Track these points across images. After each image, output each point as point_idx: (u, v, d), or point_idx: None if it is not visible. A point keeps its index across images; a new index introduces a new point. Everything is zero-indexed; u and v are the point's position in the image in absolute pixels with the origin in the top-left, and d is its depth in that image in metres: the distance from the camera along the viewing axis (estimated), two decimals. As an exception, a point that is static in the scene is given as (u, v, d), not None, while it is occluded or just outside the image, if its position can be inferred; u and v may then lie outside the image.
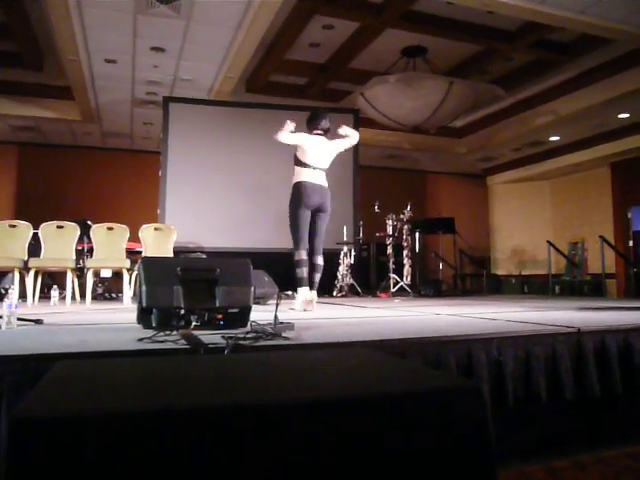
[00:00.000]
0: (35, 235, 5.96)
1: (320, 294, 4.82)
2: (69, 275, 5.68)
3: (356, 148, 8.42)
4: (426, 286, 8.16)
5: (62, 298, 5.81)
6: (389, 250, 8.29)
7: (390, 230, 8.37)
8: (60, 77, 7.77)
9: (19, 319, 2.93)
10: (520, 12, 5.84)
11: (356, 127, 8.47)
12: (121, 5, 5.69)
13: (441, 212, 10.45)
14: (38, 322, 3.11)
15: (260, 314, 2.88)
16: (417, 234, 8.96)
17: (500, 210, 12.46)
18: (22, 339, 2.39)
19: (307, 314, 4.02)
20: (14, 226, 5.89)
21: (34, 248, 5.92)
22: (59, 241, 5.90)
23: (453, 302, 5.94)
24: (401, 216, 8.38)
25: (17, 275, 5.51)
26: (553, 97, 8.54)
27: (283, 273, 6.08)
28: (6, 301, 2.83)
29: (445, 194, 12.45)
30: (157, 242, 6.20)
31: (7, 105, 8.03)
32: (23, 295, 5.24)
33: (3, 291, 6.27)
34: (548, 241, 9.09)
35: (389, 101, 7.72)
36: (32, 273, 5.55)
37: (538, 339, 2.44)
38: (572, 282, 10.27)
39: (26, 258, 5.64)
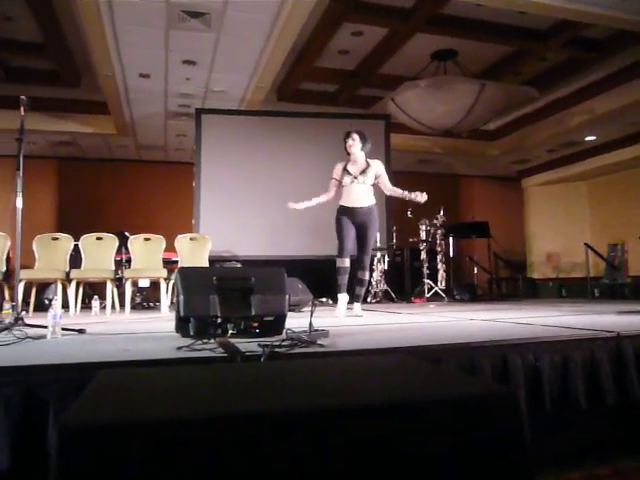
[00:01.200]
0: (76, 247, 6.13)
1: (354, 300, 4.83)
2: (109, 285, 5.82)
3: (387, 154, 8.42)
4: (461, 291, 8.08)
5: (102, 308, 5.95)
6: (423, 255, 8.25)
7: (424, 235, 8.34)
8: (96, 93, 7.98)
9: (63, 329, 3.03)
10: (552, 11, 5.76)
11: (387, 133, 8.52)
12: (154, 21, 5.83)
13: (475, 216, 10.31)
14: (81, 332, 3.20)
15: (295, 321, 2.91)
16: (451, 239, 8.88)
17: (535, 212, 12.25)
18: (66, 348, 2.47)
19: (341, 321, 4.04)
20: (56, 238, 6.08)
21: (75, 259, 6.08)
22: (98, 252, 6.06)
23: (488, 307, 5.88)
24: (434, 221, 8.34)
25: (60, 286, 5.67)
26: (588, 96, 8.37)
27: (317, 280, 6.12)
28: (51, 311, 2.93)
29: (478, 198, 12.30)
30: (193, 252, 6.30)
31: (46, 121, 8.27)
32: (65, 305, 5.39)
33: (47, 301, 6.46)
34: (586, 243, 8.89)
35: (420, 106, 7.69)
36: (74, 284, 5.71)
37: (576, 344, 2.41)
38: (612, 285, 10.00)
39: (68, 269, 5.80)
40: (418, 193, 4.84)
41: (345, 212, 4.75)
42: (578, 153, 10.58)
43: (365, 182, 4.74)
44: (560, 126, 9.26)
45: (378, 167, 4.84)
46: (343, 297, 4.64)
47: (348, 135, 4.84)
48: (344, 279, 4.71)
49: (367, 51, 7.43)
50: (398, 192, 4.88)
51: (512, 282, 11.04)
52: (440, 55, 7.54)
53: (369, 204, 4.78)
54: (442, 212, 8.37)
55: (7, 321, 3.15)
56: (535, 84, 8.07)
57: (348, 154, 4.84)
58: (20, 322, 3.07)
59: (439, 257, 8.37)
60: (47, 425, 1.70)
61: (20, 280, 3.53)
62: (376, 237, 4.91)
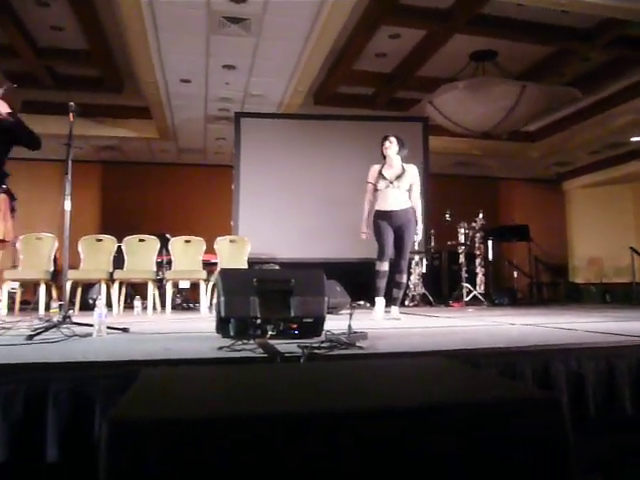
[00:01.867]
0: (119, 248, 6.29)
1: (392, 303, 4.83)
2: (150, 286, 5.95)
3: (425, 156, 8.37)
4: (500, 295, 7.97)
5: (144, 308, 6.09)
6: (461, 259, 8.17)
7: (462, 238, 8.25)
8: (139, 98, 8.17)
9: (108, 328, 3.12)
10: (596, 9, 5.64)
11: (425, 135, 8.47)
12: (195, 27, 5.95)
13: (514, 219, 10.16)
14: (125, 330, 3.30)
15: (333, 324, 2.92)
16: (490, 242, 8.77)
17: (577, 215, 11.97)
18: (112, 346, 2.55)
19: (379, 324, 4.04)
20: (100, 240, 6.25)
21: (118, 260, 6.24)
22: (141, 254, 6.20)
23: (529, 311, 5.79)
24: (473, 224, 8.25)
25: (104, 286, 5.83)
26: (633, 95, 8.14)
27: (354, 283, 6.13)
28: (97, 310, 3.02)
29: (518, 200, 12.10)
30: (232, 254, 6.38)
31: (91, 127, 8.50)
32: (108, 305, 5.52)
33: (91, 301, 6.65)
34: (631, 247, 8.66)
35: (458, 108, 7.62)
36: (117, 284, 5.85)
37: (621, 350, 2.35)
38: (658, 290, 9.71)
39: (111, 270, 5.95)
40: (419, 232, 4.85)
41: (382, 216, 4.75)
42: (622, 154, 10.29)
43: (400, 187, 4.73)
44: (604, 127, 9.03)
45: (413, 175, 4.81)
46: (381, 300, 4.65)
47: (385, 138, 4.85)
48: (382, 282, 4.70)
49: (405, 53, 7.41)
50: (417, 212, 4.83)
51: (553, 287, 10.82)
52: (479, 56, 7.45)
53: (406, 207, 4.77)
54: (481, 215, 8.27)
55: (55, 319, 3.26)
56: (578, 84, 7.89)
57: (384, 157, 4.83)
58: (68, 320, 3.17)
59: (478, 261, 8.27)
60: (94, 420, 1.75)
61: (67, 280, 3.64)
62: (414, 240, 4.86)
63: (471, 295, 7.80)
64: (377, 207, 4.81)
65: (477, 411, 1.17)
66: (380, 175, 4.79)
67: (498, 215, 11.46)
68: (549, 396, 1.38)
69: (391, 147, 4.77)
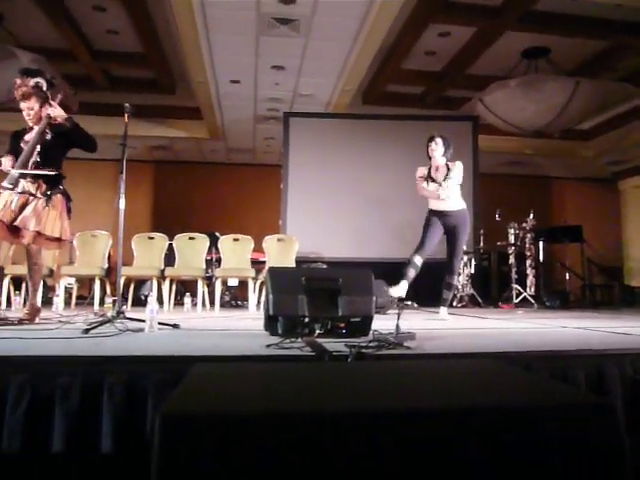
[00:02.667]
0: (170, 246, 6.43)
1: (439, 304, 4.77)
2: (200, 283, 6.06)
3: (475, 156, 8.24)
4: (551, 297, 7.76)
5: (193, 305, 6.21)
6: (511, 260, 8.01)
7: (512, 239, 8.09)
8: (190, 99, 8.35)
9: (159, 323, 3.20)
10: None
11: (475, 134, 8.34)
12: (245, 29, 6.04)
13: (567, 219, 9.87)
14: (175, 327, 3.38)
15: (380, 323, 2.92)
16: (541, 243, 8.55)
17: (633, 216, 11.53)
18: (163, 342, 2.61)
19: (427, 324, 4.01)
20: (152, 238, 6.41)
21: (168, 258, 6.39)
22: (191, 251, 6.33)
23: (581, 315, 5.62)
24: (524, 224, 8.08)
25: (155, 283, 5.98)
26: (692, 91, 7.80)
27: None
28: (149, 306, 3.11)
29: (571, 200, 11.76)
30: (280, 252, 6.43)
31: (145, 127, 8.73)
32: (159, 301, 5.66)
33: (143, 297, 6.83)
34: (692, 249, 8.29)
35: (510, 106, 7.46)
36: (168, 281, 5.99)
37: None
38: None
39: (162, 267, 6.10)
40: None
41: (436, 215, 4.69)
42: (682, 153, 9.87)
43: (449, 187, 4.65)
44: (662, 124, 8.69)
45: (459, 174, 4.70)
46: (404, 284, 4.56)
47: (431, 139, 4.77)
48: (411, 272, 4.58)
49: (454, 51, 7.31)
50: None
51: (607, 289, 10.44)
52: (531, 53, 7.28)
53: (459, 207, 4.70)
54: (532, 215, 8.08)
55: (109, 314, 3.37)
56: (633, 80, 7.61)
57: (429, 158, 4.78)
58: (121, 315, 3.27)
59: (528, 262, 8.08)
60: (146, 412, 1.80)
61: (120, 276, 3.75)
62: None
63: (521, 297, 7.64)
64: (431, 207, 4.75)
65: (528, 415, 1.15)
66: (429, 178, 4.73)
67: (549, 215, 11.18)
68: (604, 401, 1.35)
69: (437, 149, 4.70)
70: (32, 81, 3.67)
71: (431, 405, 1.18)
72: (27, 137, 3.68)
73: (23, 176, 3.55)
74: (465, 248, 7.50)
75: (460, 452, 1.10)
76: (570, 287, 9.24)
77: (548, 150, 10.17)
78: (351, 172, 8.07)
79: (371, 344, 2.26)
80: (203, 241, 6.43)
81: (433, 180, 4.71)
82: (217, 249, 6.66)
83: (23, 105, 3.67)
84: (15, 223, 3.47)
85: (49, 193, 3.60)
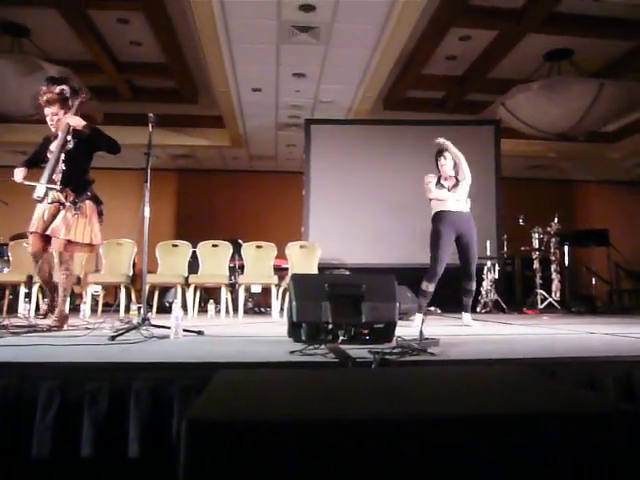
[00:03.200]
0: (193, 253, 6.49)
1: (463, 310, 4.74)
2: (223, 290, 6.11)
3: (497, 160, 8.18)
4: (577, 303, 7.65)
5: (217, 311, 6.25)
6: (536, 264, 7.92)
7: (536, 243, 8.00)
8: (212, 108, 8.45)
9: (184, 330, 3.24)
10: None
11: (497, 138, 8.28)
12: (266, 38, 6.09)
13: (592, 223, 9.74)
14: (200, 333, 3.41)
15: (404, 330, 2.91)
16: (566, 247, 8.44)
17: (662, 219, 11.31)
18: (188, 348, 2.64)
19: (451, 330, 3.98)
20: (176, 245, 6.48)
21: (192, 265, 6.44)
22: (214, 259, 6.38)
23: (608, 320, 5.53)
24: (548, 229, 7.98)
25: (179, 290, 6.04)
26: None
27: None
28: (174, 314, 3.14)
29: (596, 204, 11.59)
30: (302, 259, 6.45)
31: (168, 136, 8.85)
32: (184, 308, 5.71)
33: (167, 304, 6.90)
34: None
35: (532, 109, 7.40)
36: (192, 288, 6.05)
37: None
38: None
39: (186, 274, 6.15)
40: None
41: (444, 217, 4.64)
42: None
43: (458, 192, 4.66)
44: (691, 125, 8.53)
45: (467, 183, 4.73)
46: (419, 318, 4.50)
47: (441, 154, 4.76)
48: (425, 302, 4.62)
49: (475, 55, 7.27)
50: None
51: (636, 294, 10.26)
52: (554, 55, 7.20)
53: (468, 210, 4.70)
54: (556, 219, 7.98)
55: (135, 321, 3.41)
56: (659, 81, 7.49)
57: (438, 170, 4.79)
58: (147, 322, 3.31)
59: (553, 266, 7.98)
60: (172, 418, 1.82)
61: (146, 284, 3.79)
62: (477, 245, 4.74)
63: (546, 302, 7.55)
64: (440, 208, 4.70)
65: (554, 423, 1.14)
66: (439, 185, 4.73)
67: (574, 219, 11.03)
68: (633, 409, 1.33)
69: (447, 163, 4.72)
70: (57, 88, 3.76)
71: (456, 412, 1.17)
72: (52, 147, 3.78)
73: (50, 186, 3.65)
74: (489, 253, 7.50)
75: (485, 460, 1.09)
76: (596, 292, 9.11)
77: (572, 153, 10.05)
78: (373, 178, 8.06)
79: (395, 350, 2.26)
80: (226, 248, 6.48)
81: (443, 187, 4.70)
82: (240, 256, 6.70)
83: (47, 111, 3.77)
84: (47, 232, 3.62)
85: (77, 201, 3.71)
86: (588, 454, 1.10)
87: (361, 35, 6.02)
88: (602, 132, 9.14)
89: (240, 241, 7.26)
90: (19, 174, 3.72)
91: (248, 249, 6.52)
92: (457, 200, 4.65)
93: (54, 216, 3.67)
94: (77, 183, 3.74)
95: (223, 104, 7.95)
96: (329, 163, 8.13)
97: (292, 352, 2.31)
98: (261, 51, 6.41)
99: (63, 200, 3.70)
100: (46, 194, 3.65)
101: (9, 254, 6.63)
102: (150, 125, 3.65)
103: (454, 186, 4.69)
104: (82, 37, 6.51)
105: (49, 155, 3.74)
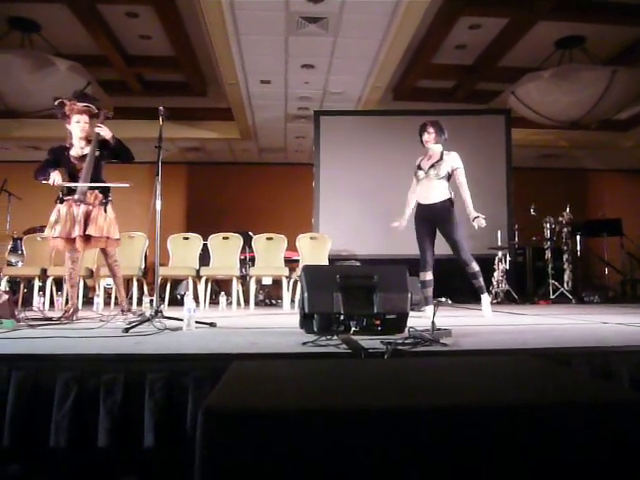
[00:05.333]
0: (204, 246, 6.52)
1: (475, 300, 4.72)
2: (234, 282, 6.13)
3: (508, 149, 8.12)
4: (590, 292, 7.61)
5: (228, 303, 6.28)
6: (547, 255, 7.89)
7: (548, 233, 7.96)
8: (221, 100, 8.45)
9: (196, 322, 3.26)
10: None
11: (507, 128, 8.22)
12: (274, 29, 6.08)
13: (605, 213, 9.65)
14: (212, 325, 3.43)
15: (415, 320, 2.91)
16: (578, 237, 8.39)
17: (676, 208, 11.18)
18: (201, 340, 2.66)
19: (463, 320, 3.98)
20: (187, 238, 6.51)
21: (203, 257, 6.47)
22: (225, 251, 6.40)
23: (622, 310, 5.50)
24: (560, 218, 7.94)
25: (191, 282, 6.07)
26: None
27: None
28: (186, 306, 3.16)
29: (609, 193, 11.47)
30: (313, 251, 6.46)
31: (177, 129, 8.85)
32: (195, 300, 5.73)
33: (179, 297, 6.94)
34: None
35: (543, 98, 7.33)
36: (203, 280, 6.08)
37: None
38: None
39: (198, 267, 6.18)
40: (480, 219, 4.44)
41: (420, 212, 4.63)
42: None
43: (437, 176, 4.53)
44: None
45: (453, 160, 4.57)
46: (430, 309, 4.52)
47: (423, 128, 4.66)
48: (428, 292, 4.62)
49: (485, 44, 7.20)
50: (466, 201, 4.53)
51: (649, 284, 10.18)
52: (565, 43, 7.12)
53: (441, 199, 4.53)
54: (568, 209, 7.93)
55: (148, 314, 3.44)
56: (673, 67, 7.39)
57: (423, 146, 4.71)
58: (159, 315, 3.34)
59: (565, 256, 7.94)
60: (187, 408, 1.84)
61: (158, 276, 3.82)
62: (461, 233, 4.57)
63: (558, 292, 7.51)
64: (416, 199, 4.71)
65: (569, 412, 1.14)
66: (417, 166, 4.69)
67: (586, 209, 10.93)
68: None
69: (430, 139, 4.61)
70: (83, 105, 4.07)
71: (471, 402, 1.18)
72: (73, 152, 4.06)
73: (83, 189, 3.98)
74: (499, 243, 7.46)
75: (501, 449, 1.10)
76: (609, 282, 9.04)
77: (584, 142, 9.95)
78: (382, 168, 8.03)
79: (407, 341, 2.26)
80: (237, 240, 6.50)
81: (420, 168, 4.65)
82: (251, 248, 6.72)
83: (78, 117, 4.04)
84: (87, 232, 3.95)
85: (105, 201, 4.11)
86: (605, 443, 1.10)
87: (370, 25, 5.99)
88: (614, 120, 9.03)
89: (250, 233, 7.28)
90: (58, 177, 3.95)
91: (259, 241, 6.54)
92: (432, 189, 4.56)
93: (86, 216, 3.98)
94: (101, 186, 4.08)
95: (232, 96, 7.95)
96: (339, 154, 8.11)
97: (304, 343, 2.33)
98: (270, 43, 6.40)
99: (92, 201, 4.02)
100: (85, 195, 3.98)
101: (23, 248, 6.69)
102: (160, 118, 3.67)
103: (432, 166, 4.58)
104: (92, 31, 6.53)
105: (74, 161, 4.04)
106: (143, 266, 6.21)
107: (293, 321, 3.33)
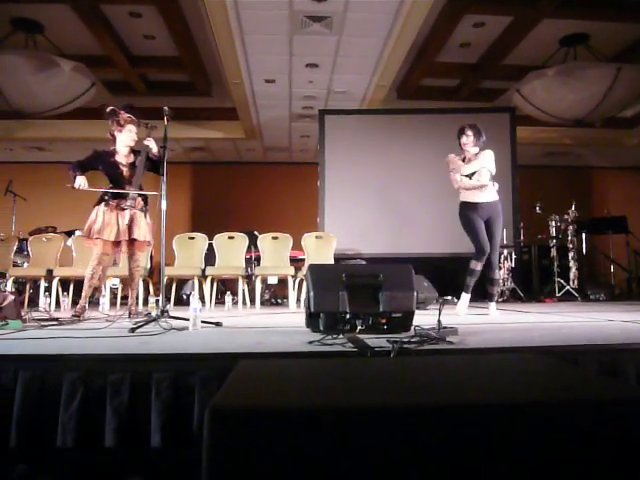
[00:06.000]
0: (209, 245, 6.53)
1: (481, 299, 4.72)
2: (240, 282, 6.14)
3: (513, 147, 8.10)
4: (595, 290, 7.59)
5: (234, 303, 6.29)
6: (553, 252, 7.87)
7: (553, 231, 7.94)
8: (226, 100, 8.46)
9: (202, 322, 3.26)
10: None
11: (512, 126, 8.20)
12: (278, 28, 6.08)
13: (610, 210, 9.61)
14: (218, 325, 3.43)
15: (421, 319, 2.90)
16: (584, 235, 8.37)
17: (683, 205, 11.12)
18: (207, 340, 2.66)
19: (469, 319, 3.97)
20: (192, 238, 6.52)
21: (209, 257, 6.48)
22: (230, 250, 6.41)
23: (628, 308, 5.47)
24: (565, 216, 7.92)
25: (196, 282, 6.08)
26: None
27: (440, 278, 6.04)
28: (192, 306, 3.17)
29: (614, 191, 11.43)
30: (318, 250, 6.46)
31: (182, 129, 8.86)
32: (201, 300, 5.74)
33: (185, 296, 6.95)
34: None
35: (548, 95, 7.31)
36: (209, 280, 6.08)
37: None
38: None
39: (203, 267, 6.19)
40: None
41: (471, 208, 4.59)
42: None
43: (481, 179, 4.56)
44: None
45: (485, 158, 4.58)
46: (466, 297, 4.55)
47: (462, 132, 4.65)
48: (473, 281, 4.55)
49: (490, 42, 7.18)
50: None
51: (655, 282, 10.13)
52: (570, 40, 7.08)
53: (494, 198, 4.61)
54: (573, 207, 7.91)
55: (154, 314, 3.44)
56: (680, 64, 7.35)
57: (462, 150, 4.69)
58: (165, 315, 3.34)
59: (571, 254, 7.91)
60: (193, 408, 1.84)
61: (164, 276, 3.82)
62: (502, 233, 4.66)
63: (564, 290, 7.49)
64: (465, 198, 4.65)
65: (576, 410, 1.13)
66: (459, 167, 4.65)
67: (592, 206, 10.91)
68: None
69: (469, 142, 4.60)
70: (131, 116, 4.34)
71: (478, 400, 1.17)
72: (118, 158, 4.27)
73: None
74: (505, 241, 7.45)
75: (507, 447, 1.09)
76: (615, 280, 9.01)
77: (589, 140, 9.92)
78: (387, 167, 8.03)
79: (413, 339, 2.26)
80: (242, 240, 6.51)
81: (466, 174, 4.64)
82: (256, 248, 6.73)
83: (130, 127, 4.28)
84: (133, 236, 4.20)
85: (145, 209, 4.34)
86: (613, 440, 1.10)
87: (374, 24, 5.98)
88: (619, 118, 8.99)
89: (256, 232, 7.28)
90: (85, 182, 4.09)
91: (264, 240, 6.54)
92: (480, 190, 4.57)
93: (130, 221, 4.20)
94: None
95: (237, 96, 7.96)
96: (343, 153, 8.10)
97: (311, 342, 2.33)
98: (274, 42, 6.40)
99: (135, 206, 4.22)
100: (135, 201, 4.19)
101: (29, 249, 6.71)
102: (165, 118, 3.68)
103: (473, 173, 4.59)
104: (95, 32, 6.54)
105: (122, 167, 4.25)
106: (149, 266, 6.23)
107: (299, 320, 3.34)
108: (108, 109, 4.26)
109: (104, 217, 4.14)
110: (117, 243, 4.26)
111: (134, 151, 4.34)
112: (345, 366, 1.80)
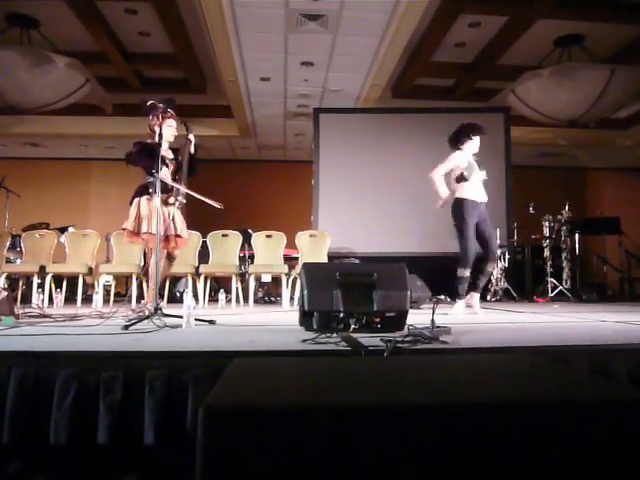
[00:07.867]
0: (204, 243, 6.52)
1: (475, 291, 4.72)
2: (234, 280, 6.13)
3: (507, 148, 8.12)
4: (588, 291, 7.63)
5: (228, 301, 6.28)
6: (546, 253, 7.90)
7: (547, 232, 7.97)
8: (221, 98, 8.44)
9: (196, 319, 3.26)
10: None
11: (507, 126, 8.22)
12: (274, 26, 6.07)
13: (603, 211, 9.65)
14: (211, 322, 3.43)
15: (414, 318, 2.91)
16: (577, 235, 8.40)
17: (675, 206, 11.19)
18: (201, 338, 2.66)
19: (462, 318, 3.98)
20: (186, 235, 6.49)
21: (202, 255, 6.47)
22: (224, 248, 6.40)
23: (620, 308, 5.51)
24: (559, 217, 7.95)
25: (190, 280, 6.07)
26: None
27: (433, 277, 6.05)
28: (186, 303, 3.17)
29: (608, 192, 11.49)
30: (312, 248, 6.46)
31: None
32: (194, 298, 5.74)
33: (178, 294, 6.94)
34: None
35: (543, 96, 7.33)
36: (202, 278, 6.07)
37: None
38: None
39: (197, 264, 6.18)
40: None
41: (475, 207, 4.55)
42: None
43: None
44: None
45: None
46: (462, 304, 4.53)
47: (481, 132, 4.71)
48: (464, 288, 4.54)
49: (485, 42, 7.20)
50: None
51: (647, 282, 10.19)
52: (564, 41, 7.11)
53: (486, 199, 4.68)
54: (567, 207, 7.94)
55: (147, 311, 3.44)
56: (674, 66, 7.39)
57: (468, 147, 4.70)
58: (159, 312, 3.34)
59: (564, 255, 7.95)
60: (187, 406, 1.84)
61: (158, 273, 3.81)
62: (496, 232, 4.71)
63: (557, 290, 7.53)
64: (469, 196, 4.57)
65: (568, 410, 1.14)
66: (471, 165, 4.64)
67: (585, 207, 10.95)
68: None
69: (477, 146, 4.69)
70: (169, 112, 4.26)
71: (470, 399, 1.18)
72: (164, 153, 4.20)
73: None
74: (499, 241, 7.47)
75: (500, 448, 1.10)
76: (608, 280, 9.05)
77: (583, 140, 9.96)
78: (382, 166, 8.04)
79: (407, 339, 2.26)
80: (236, 238, 6.50)
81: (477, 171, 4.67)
82: (250, 246, 6.73)
83: (171, 122, 4.28)
84: (178, 233, 4.34)
85: (181, 206, 4.41)
86: (604, 441, 1.11)
87: (369, 23, 5.98)
88: (613, 119, 9.04)
89: (250, 231, 7.27)
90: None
91: (258, 238, 6.54)
92: (482, 188, 4.62)
93: (172, 218, 4.31)
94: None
95: (231, 94, 7.95)
96: (338, 152, 8.11)
97: (304, 341, 2.33)
98: (269, 40, 6.39)
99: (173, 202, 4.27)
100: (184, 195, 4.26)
101: (22, 245, 6.68)
102: (159, 115, 3.67)
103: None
104: (90, 28, 6.51)
105: (169, 162, 4.35)
106: (142, 263, 6.21)
107: (293, 319, 3.34)
108: (148, 103, 4.15)
109: (149, 211, 4.08)
110: (165, 238, 4.20)
111: (171, 148, 4.35)
112: (339, 365, 1.80)
